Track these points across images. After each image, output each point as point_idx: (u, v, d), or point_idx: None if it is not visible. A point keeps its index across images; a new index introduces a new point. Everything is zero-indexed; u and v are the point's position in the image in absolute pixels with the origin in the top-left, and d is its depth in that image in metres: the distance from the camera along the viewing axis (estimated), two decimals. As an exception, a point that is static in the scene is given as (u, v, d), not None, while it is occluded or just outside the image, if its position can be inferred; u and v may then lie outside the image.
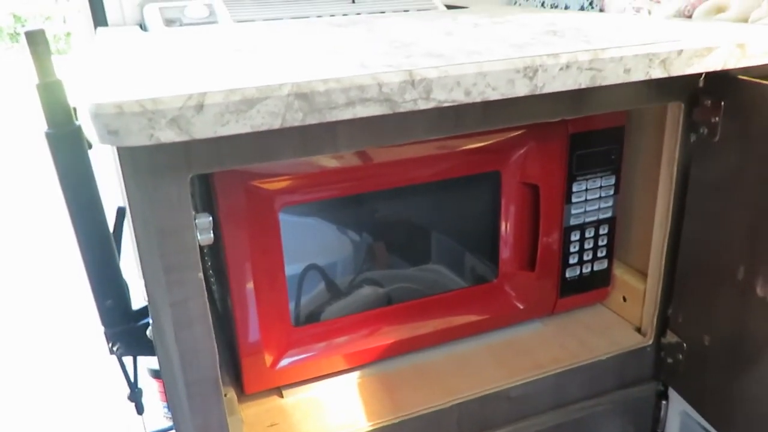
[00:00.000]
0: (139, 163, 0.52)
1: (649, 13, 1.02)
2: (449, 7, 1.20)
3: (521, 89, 0.58)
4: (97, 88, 0.49)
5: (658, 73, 0.64)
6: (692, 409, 0.82)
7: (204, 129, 0.47)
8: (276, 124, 0.50)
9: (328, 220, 0.76)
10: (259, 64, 0.58)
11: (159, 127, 0.46)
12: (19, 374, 1.80)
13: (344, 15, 1.10)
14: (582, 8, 1.18)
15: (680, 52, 0.63)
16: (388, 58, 0.59)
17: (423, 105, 0.54)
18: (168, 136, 0.47)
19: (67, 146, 0.58)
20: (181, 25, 1.01)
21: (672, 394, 0.87)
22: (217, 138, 0.51)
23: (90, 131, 0.46)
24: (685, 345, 0.81)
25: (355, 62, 0.57)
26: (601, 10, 1.13)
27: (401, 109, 0.54)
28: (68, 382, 1.73)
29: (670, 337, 0.83)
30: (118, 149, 0.51)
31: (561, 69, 0.59)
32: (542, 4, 1.27)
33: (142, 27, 1.05)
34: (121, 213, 0.68)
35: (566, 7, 1.21)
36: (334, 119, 0.51)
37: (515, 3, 1.32)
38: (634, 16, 0.96)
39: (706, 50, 0.65)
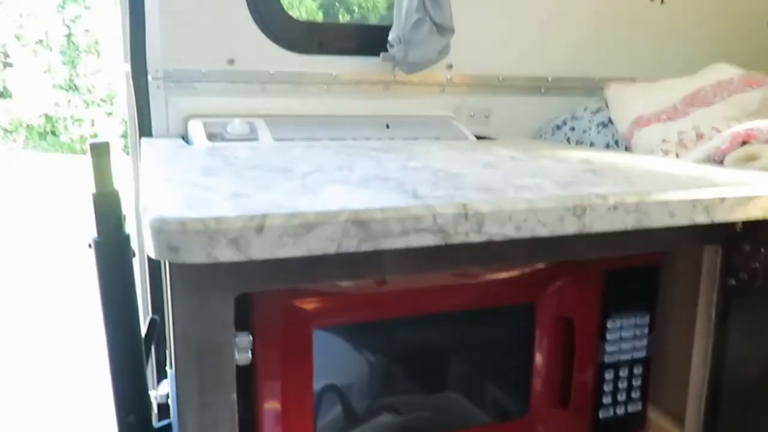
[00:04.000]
0: (188, 278, 0.52)
1: (677, 156, 1.05)
2: (478, 137, 1.25)
3: (570, 227, 0.58)
4: (157, 202, 0.50)
5: (701, 219, 0.64)
6: None
7: (262, 250, 0.48)
8: (331, 249, 0.50)
9: (359, 343, 0.75)
10: (312, 188, 0.59)
11: (219, 246, 0.46)
12: None
13: (379, 139, 1.14)
14: (607, 145, 1.22)
15: (723, 199, 0.64)
16: (438, 189, 0.60)
17: (475, 238, 0.55)
18: (226, 255, 0.47)
19: (113, 255, 0.59)
20: (223, 140, 1.05)
21: None
22: (265, 259, 0.51)
23: (147, 244, 0.46)
24: (728, 502, 0.76)
25: (408, 192, 0.58)
26: (626, 149, 1.16)
27: (453, 241, 0.54)
28: None
29: (711, 492, 0.78)
30: (170, 265, 0.51)
31: (609, 209, 0.59)
32: (567, 140, 1.31)
33: (185, 139, 1.08)
34: (152, 324, 0.67)
35: (591, 144, 1.25)
36: (388, 247, 0.51)
37: (540, 137, 1.37)
38: (664, 158, 0.99)
39: (747, 198, 0.66)
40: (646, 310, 0.85)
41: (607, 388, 0.85)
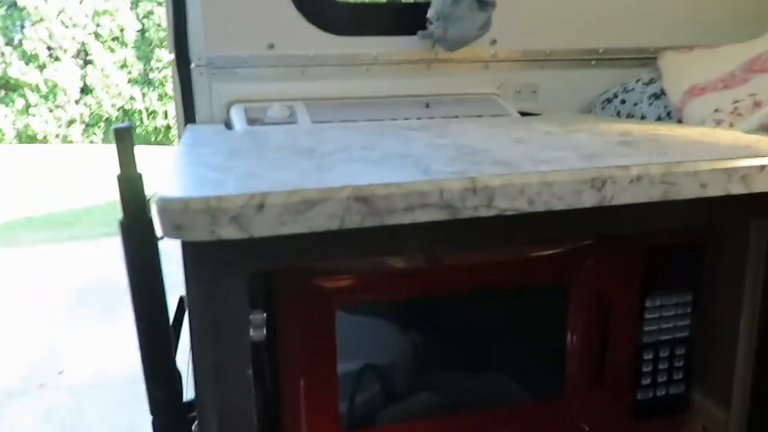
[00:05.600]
0: (201, 257, 0.53)
1: (731, 125, 0.99)
2: (523, 113, 1.21)
3: (588, 200, 0.56)
4: (167, 183, 0.51)
5: (738, 189, 0.61)
6: None
7: (263, 228, 0.48)
8: (334, 226, 0.50)
9: (385, 322, 0.75)
10: (327, 166, 0.60)
11: (221, 224, 0.47)
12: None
13: (418, 119, 1.13)
14: (659, 118, 1.16)
15: (763, 167, 0.60)
16: (455, 164, 0.59)
17: (485, 212, 0.53)
18: (229, 233, 0.48)
19: (139, 236, 0.61)
20: (263, 125, 1.07)
21: None
22: (278, 236, 0.51)
23: (156, 224, 0.48)
24: (777, 489, 0.72)
25: (419, 168, 0.57)
26: (679, 121, 1.11)
27: (462, 216, 0.53)
28: None
29: (760, 479, 0.75)
30: (183, 243, 0.53)
31: (632, 181, 0.57)
32: (617, 114, 1.26)
33: (228, 125, 1.11)
34: (182, 303, 0.69)
35: (642, 117, 1.20)
36: (393, 223, 0.51)
37: (590, 112, 1.32)
38: (714, 129, 0.93)
39: (791, 167, 0.61)
40: (689, 289, 0.81)
41: (647, 368, 0.82)
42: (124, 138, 0.60)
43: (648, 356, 0.82)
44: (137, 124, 9.99)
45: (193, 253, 0.53)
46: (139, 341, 0.64)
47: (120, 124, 0.60)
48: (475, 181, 0.53)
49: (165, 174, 0.57)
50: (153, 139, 9.82)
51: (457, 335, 0.79)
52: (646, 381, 0.83)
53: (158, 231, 0.52)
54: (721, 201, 0.64)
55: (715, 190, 0.60)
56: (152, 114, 9.92)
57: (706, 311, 0.84)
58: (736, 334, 0.77)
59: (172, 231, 0.47)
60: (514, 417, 0.81)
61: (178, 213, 0.46)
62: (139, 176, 0.61)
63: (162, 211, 0.47)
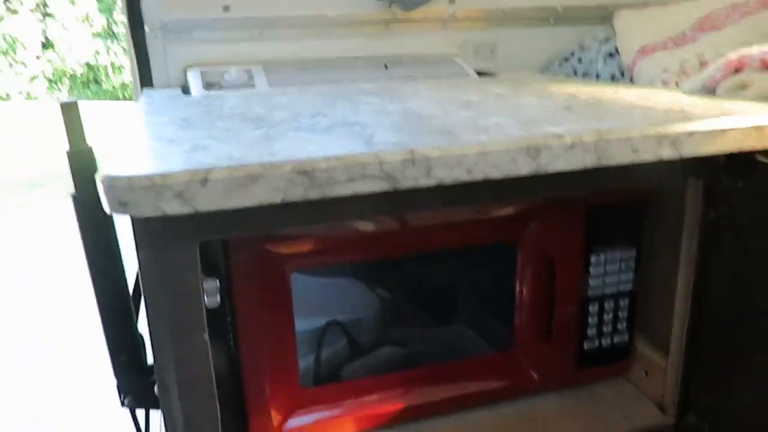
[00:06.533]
0: (150, 230, 0.55)
1: (677, 84, 1.02)
2: (482, 73, 1.23)
3: (524, 168, 0.59)
4: (114, 159, 0.53)
5: (668, 154, 0.64)
6: (714, 497, 0.79)
7: (208, 202, 0.50)
8: (277, 199, 0.52)
9: (338, 281, 0.78)
10: (275, 136, 0.61)
11: (165, 200, 0.49)
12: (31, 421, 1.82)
13: (376, 80, 1.14)
14: (613, 77, 1.19)
15: (691, 133, 0.63)
16: (399, 134, 0.61)
17: (424, 182, 0.56)
18: (173, 208, 0.49)
19: (92, 210, 0.62)
20: (220, 89, 1.07)
21: (694, 479, 0.83)
22: (224, 210, 0.53)
23: (103, 200, 0.50)
24: (707, 427, 0.78)
25: (364, 138, 0.59)
26: (632, 80, 1.13)
27: (402, 186, 0.55)
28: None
29: (691, 418, 0.80)
30: (132, 218, 0.54)
31: (566, 149, 0.59)
32: (575, 72, 1.28)
33: (185, 89, 1.11)
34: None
35: (598, 76, 1.22)
36: (335, 195, 0.53)
37: (549, 70, 1.34)
38: (657, 91, 0.96)
39: (720, 132, 0.64)
40: (632, 245, 0.85)
41: (592, 321, 0.86)
42: (72, 113, 0.61)
43: (593, 309, 0.86)
44: (103, 79, 9.72)
45: (141, 226, 0.55)
46: (99, 311, 0.66)
47: (66, 99, 0.61)
48: (414, 152, 0.55)
49: (113, 148, 0.59)
50: (121, 94, 9.59)
51: (416, 292, 0.82)
52: (592, 332, 0.88)
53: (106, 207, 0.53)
54: (654, 165, 0.67)
55: (646, 155, 0.63)
56: (118, 69, 9.65)
57: (648, 266, 0.88)
58: (674, 287, 0.81)
59: (117, 207, 0.49)
60: (470, 367, 0.86)
61: (123, 190, 0.48)
62: (89, 150, 0.62)
63: (107, 189, 0.48)
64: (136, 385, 0.70)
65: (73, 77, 9.69)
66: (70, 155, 0.61)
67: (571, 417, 0.86)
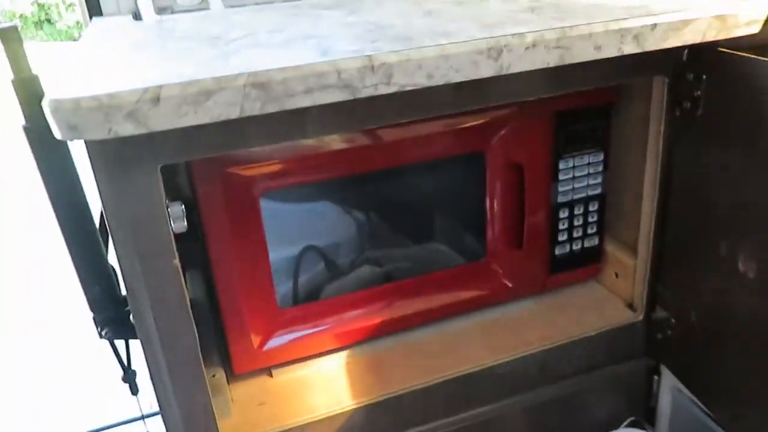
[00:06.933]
0: (107, 155, 0.53)
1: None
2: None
3: (486, 71, 0.58)
4: (59, 83, 0.51)
5: (631, 49, 0.63)
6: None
7: (161, 121, 0.49)
8: (234, 114, 0.51)
9: (310, 202, 0.77)
10: (230, 54, 0.59)
11: (116, 121, 0.47)
12: (14, 358, 1.83)
13: (336, -4, 1.09)
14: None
15: (654, 26, 0.62)
16: (356, 43, 0.59)
17: (384, 90, 0.55)
18: (126, 129, 0.48)
19: (45, 140, 0.60)
20: (173, 13, 1.02)
21: (664, 369, 0.87)
22: (184, 128, 0.52)
23: (53, 126, 0.48)
24: (673, 320, 0.81)
25: (321, 49, 0.57)
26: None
27: (362, 95, 0.54)
28: (64, 365, 1.76)
29: (660, 313, 0.83)
30: (86, 143, 0.53)
31: (527, 48, 0.58)
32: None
33: (135, 16, 1.06)
34: None
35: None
36: (293, 107, 0.52)
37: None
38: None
39: (682, 23, 0.63)
40: (600, 149, 0.85)
41: (562, 226, 0.87)
42: (12, 38, 0.58)
43: (563, 214, 0.87)
44: (56, 19, 9.28)
45: (98, 152, 0.54)
46: (66, 243, 0.65)
47: (4, 25, 0.58)
48: (372, 59, 0.53)
49: (59, 74, 0.56)
50: (77, 34, 9.19)
51: (390, 210, 0.82)
52: (563, 237, 0.89)
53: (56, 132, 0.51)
54: (617, 62, 0.66)
55: (609, 52, 0.62)
56: (70, 6, 9.21)
57: (615, 169, 0.89)
58: (641, 188, 0.82)
59: (68, 132, 0.47)
60: (445, 279, 0.87)
61: (70, 113, 0.46)
62: (35, 78, 0.59)
63: (55, 113, 0.46)
64: (112, 316, 0.70)
65: (23, 18, 9.24)
66: (15, 83, 0.58)
67: (545, 321, 0.88)
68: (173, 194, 0.64)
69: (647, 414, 0.92)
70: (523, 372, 0.82)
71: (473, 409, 0.81)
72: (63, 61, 0.65)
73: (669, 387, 0.87)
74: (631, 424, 0.90)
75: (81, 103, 0.46)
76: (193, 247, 0.87)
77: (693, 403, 0.81)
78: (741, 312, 0.70)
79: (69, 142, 0.63)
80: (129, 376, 0.76)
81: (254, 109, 0.51)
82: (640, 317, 0.86)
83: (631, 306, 0.89)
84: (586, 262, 0.92)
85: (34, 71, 0.60)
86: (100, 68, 0.58)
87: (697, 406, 0.80)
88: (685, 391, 0.82)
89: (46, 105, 0.47)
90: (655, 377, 0.88)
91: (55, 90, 0.48)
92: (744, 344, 0.70)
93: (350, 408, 0.74)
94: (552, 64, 0.60)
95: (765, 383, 0.68)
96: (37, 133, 0.60)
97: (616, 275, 0.92)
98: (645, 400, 0.91)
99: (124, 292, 0.71)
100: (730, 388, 0.73)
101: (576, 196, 0.87)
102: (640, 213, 0.83)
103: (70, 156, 0.63)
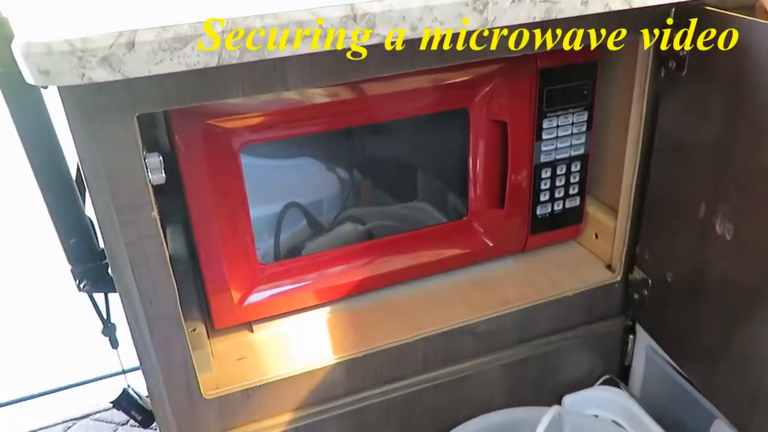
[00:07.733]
0: (82, 103, 0.52)
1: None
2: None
3: (471, 24, 0.57)
4: (29, 26, 0.49)
5: (618, 5, 0.62)
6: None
7: (137, 68, 0.47)
8: (212, 62, 0.49)
9: (293, 158, 0.77)
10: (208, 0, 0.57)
11: (90, 66, 0.46)
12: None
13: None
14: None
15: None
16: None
17: (366, 41, 0.53)
18: (100, 75, 0.47)
19: (18, 85, 0.58)
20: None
21: (639, 329, 0.88)
22: (161, 76, 0.51)
23: (24, 71, 0.46)
24: (650, 281, 0.82)
25: (301, -4, 0.56)
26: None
27: (345, 45, 0.53)
28: (43, 318, 1.75)
29: (637, 274, 0.84)
30: (60, 90, 0.51)
31: (513, 2, 0.57)
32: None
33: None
34: None
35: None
36: (273, 57, 0.51)
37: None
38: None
39: (670, -20, 0.63)
40: (584, 108, 0.85)
41: (544, 186, 0.87)
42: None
43: (546, 174, 0.87)
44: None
45: (72, 100, 0.52)
46: (42, 193, 0.64)
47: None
48: (355, 8, 0.52)
49: (29, 18, 0.54)
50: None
51: (373, 167, 0.82)
52: (545, 197, 0.89)
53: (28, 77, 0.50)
54: (603, 17, 0.65)
55: (595, 7, 0.61)
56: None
57: (599, 129, 0.89)
58: (624, 150, 0.82)
59: (39, 77, 0.45)
60: (427, 237, 0.87)
61: (42, 57, 0.45)
62: (5, 20, 0.57)
63: (25, 56, 0.45)
64: (90, 268, 0.70)
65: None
66: (-19, 28, 0.56)
67: (525, 280, 0.89)
68: (152, 147, 0.63)
69: (622, 373, 0.94)
70: (501, 330, 0.83)
71: (451, 366, 0.82)
72: (34, 3, 0.63)
73: (644, 346, 0.89)
74: (606, 382, 0.92)
75: (53, 46, 0.45)
76: (174, 201, 0.86)
77: (666, 362, 0.83)
78: (716, 274, 0.70)
79: (43, 91, 0.62)
80: (109, 329, 0.76)
81: (233, 57, 0.50)
82: (618, 278, 0.87)
83: (609, 267, 0.90)
84: (567, 223, 0.92)
85: (4, 14, 0.58)
86: (72, 12, 0.56)
87: (670, 366, 0.82)
88: (659, 350, 0.84)
89: (16, 48, 0.45)
90: (631, 337, 0.90)
91: (25, 33, 0.46)
92: (717, 306, 0.71)
93: (330, 363, 0.75)
94: (538, 18, 0.59)
95: (735, 345, 0.69)
96: (9, 77, 0.58)
97: (596, 236, 0.93)
98: (620, 359, 0.92)
99: (102, 245, 0.71)
100: (703, 349, 0.75)
101: (559, 156, 0.87)
102: (622, 174, 0.83)
103: (44, 103, 0.62)
